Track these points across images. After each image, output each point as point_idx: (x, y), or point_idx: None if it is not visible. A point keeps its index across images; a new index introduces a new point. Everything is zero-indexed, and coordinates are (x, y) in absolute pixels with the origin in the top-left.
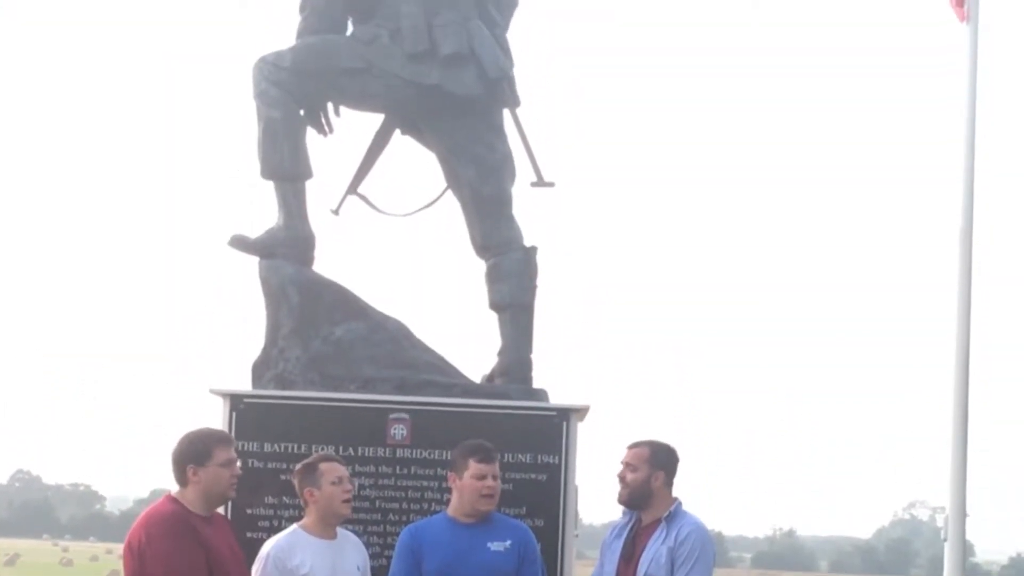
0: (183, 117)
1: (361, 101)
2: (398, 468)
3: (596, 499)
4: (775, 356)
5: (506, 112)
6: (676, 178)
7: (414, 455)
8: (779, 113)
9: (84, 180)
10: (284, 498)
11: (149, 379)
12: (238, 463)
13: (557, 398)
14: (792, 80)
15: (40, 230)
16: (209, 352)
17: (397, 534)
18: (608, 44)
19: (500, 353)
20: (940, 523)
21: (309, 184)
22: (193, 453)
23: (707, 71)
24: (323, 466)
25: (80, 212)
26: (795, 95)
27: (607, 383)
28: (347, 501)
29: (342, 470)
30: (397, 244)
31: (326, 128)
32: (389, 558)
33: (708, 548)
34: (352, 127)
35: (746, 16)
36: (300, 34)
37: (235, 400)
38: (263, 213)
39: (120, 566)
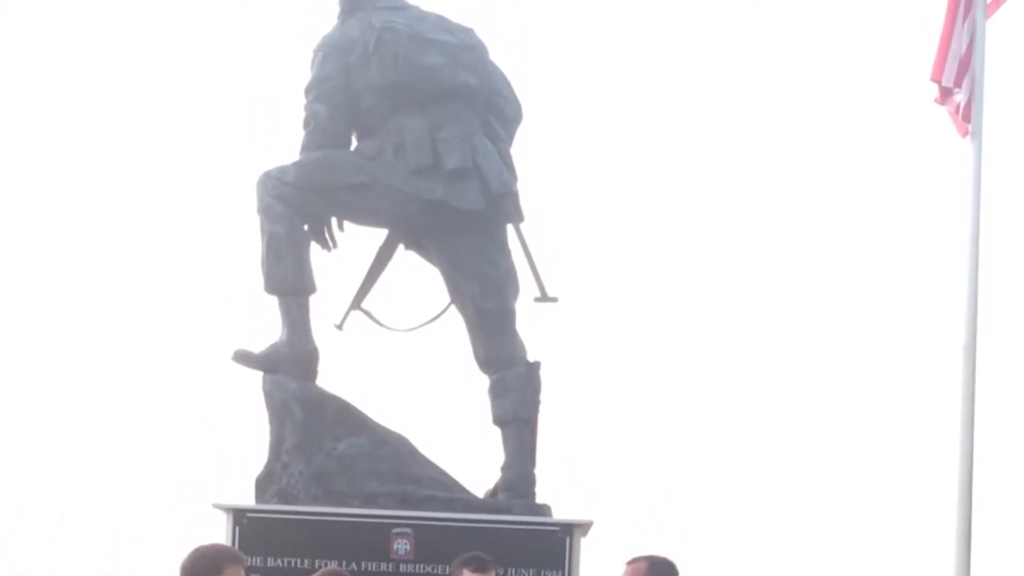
0: (182, 225)
1: (365, 216)
2: None
3: None
4: (780, 470)
5: (510, 227)
6: (679, 289)
7: (417, 570)
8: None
9: (81, 286)
10: None
11: (150, 491)
12: None
13: (560, 513)
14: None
15: (35, 353)
16: (212, 466)
17: None
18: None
19: (503, 468)
20: None
21: (313, 299)
22: (203, 570)
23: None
24: None
25: (77, 321)
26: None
27: (612, 498)
28: None
29: None
30: (400, 359)
31: (330, 243)
32: None
33: None
34: (356, 242)
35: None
36: (304, 149)
37: (238, 515)
38: (266, 327)
39: None
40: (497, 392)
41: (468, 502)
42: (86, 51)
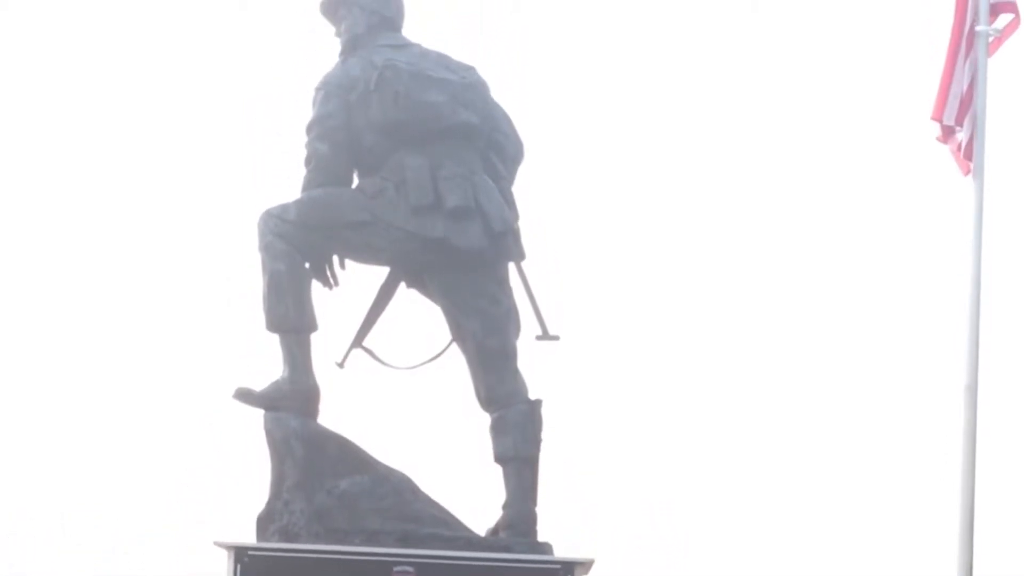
0: (183, 228)
1: (366, 254)
2: None
3: None
4: (781, 509)
5: (511, 265)
6: (679, 328)
7: None
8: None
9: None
10: None
11: (150, 530)
12: None
13: (562, 551)
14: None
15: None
16: (213, 504)
17: None
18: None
19: (505, 506)
20: None
21: (314, 337)
22: None
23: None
24: None
25: (78, 324)
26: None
27: (613, 536)
28: None
29: None
30: (402, 397)
31: (331, 281)
32: None
33: None
34: (357, 280)
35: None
36: (306, 187)
37: (239, 553)
38: (268, 365)
39: None
40: (498, 430)
41: (469, 540)
42: (86, 51)
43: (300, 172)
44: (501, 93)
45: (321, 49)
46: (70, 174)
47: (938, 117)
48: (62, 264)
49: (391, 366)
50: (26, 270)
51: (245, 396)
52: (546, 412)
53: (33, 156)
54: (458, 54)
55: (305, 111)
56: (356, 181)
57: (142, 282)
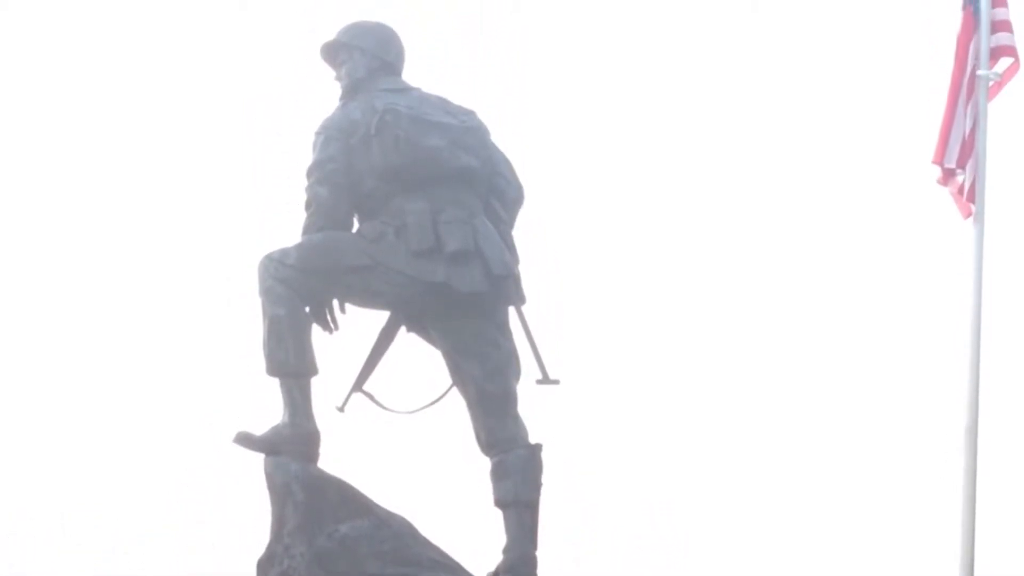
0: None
1: (366, 298)
2: None
3: None
4: (784, 553)
5: (511, 309)
6: (680, 373)
7: None
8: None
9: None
10: None
11: (150, 530)
12: None
13: None
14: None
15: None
16: (213, 545)
17: None
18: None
19: (505, 550)
20: None
21: (314, 381)
22: None
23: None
24: None
25: (79, 327)
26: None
27: None
28: None
29: None
30: (402, 441)
31: (331, 325)
32: None
33: None
34: (357, 324)
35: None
36: (306, 231)
37: None
38: (268, 409)
39: None
40: (499, 474)
41: None
42: (86, 51)
43: (300, 215)
44: (501, 93)
45: (319, 51)
46: (70, 174)
47: (939, 160)
48: (62, 264)
49: (391, 410)
50: (26, 270)
51: (245, 440)
52: (546, 457)
53: (33, 156)
54: (458, 54)
55: (305, 112)
56: (356, 225)
57: (142, 282)
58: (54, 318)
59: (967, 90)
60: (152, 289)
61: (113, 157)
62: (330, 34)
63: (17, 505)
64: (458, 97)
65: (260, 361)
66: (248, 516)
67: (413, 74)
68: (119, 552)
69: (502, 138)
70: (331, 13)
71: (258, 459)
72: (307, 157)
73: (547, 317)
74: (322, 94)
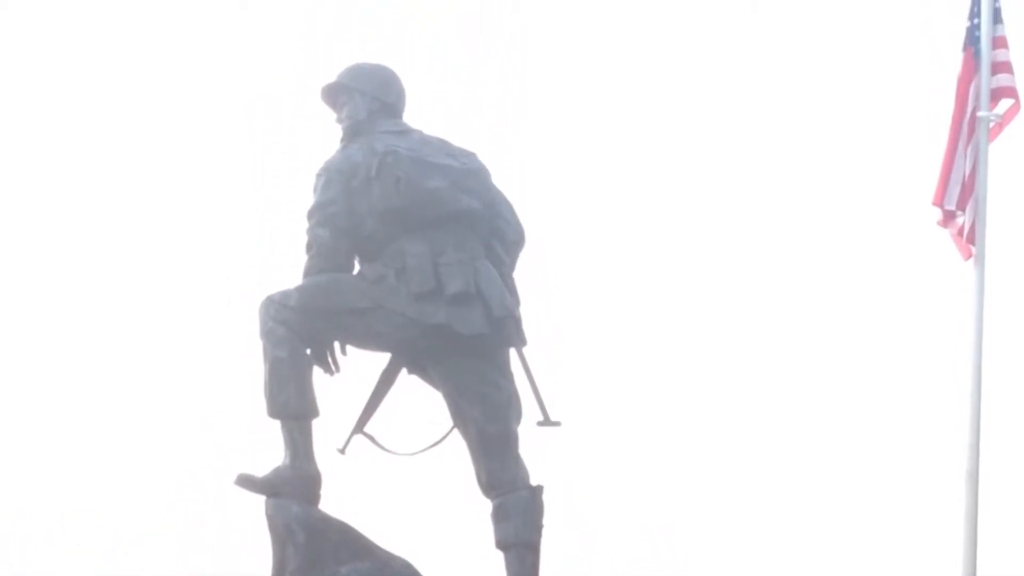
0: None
1: (367, 340)
2: None
3: None
4: None
5: (512, 351)
6: (681, 415)
7: None
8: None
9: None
10: None
11: (151, 530)
12: None
13: None
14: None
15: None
16: (213, 545)
17: None
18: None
19: None
20: None
21: (315, 423)
22: None
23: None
24: None
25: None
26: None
27: None
28: None
29: None
30: (403, 483)
31: (332, 367)
32: None
33: None
34: (358, 366)
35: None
36: (307, 273)
37: None
38: (269, 452)
39: None
40: (500, 516)
41: None
42: (85, 51)
43: (301, 257)
44: (501, 94)
45: (321, 50)
46: (69, 175)
47: (939, 202)
48: (62, 264)
49: (392, 452)
50: (26, 270)
51: (247, 482)
52: (547, 498)
53: (32, 156)
54: (458, 54)
55: (305, 111)
56: (357, 267)
57: (142, 282)
58: (54, 318)
59: (967, 131)
60: (152, 289)
61: (113, 157)
62: (331, 75)
63: (17, 505)
64: (458, 97)
65: (261, 402)
66: (248, 515)
67: (414, 74)
68: (119, 552)
69: (502, 138)
70: (331, 13)
71: (259, 500)
72: (308, 198)
73: (548, 359)
74: (321, 94)
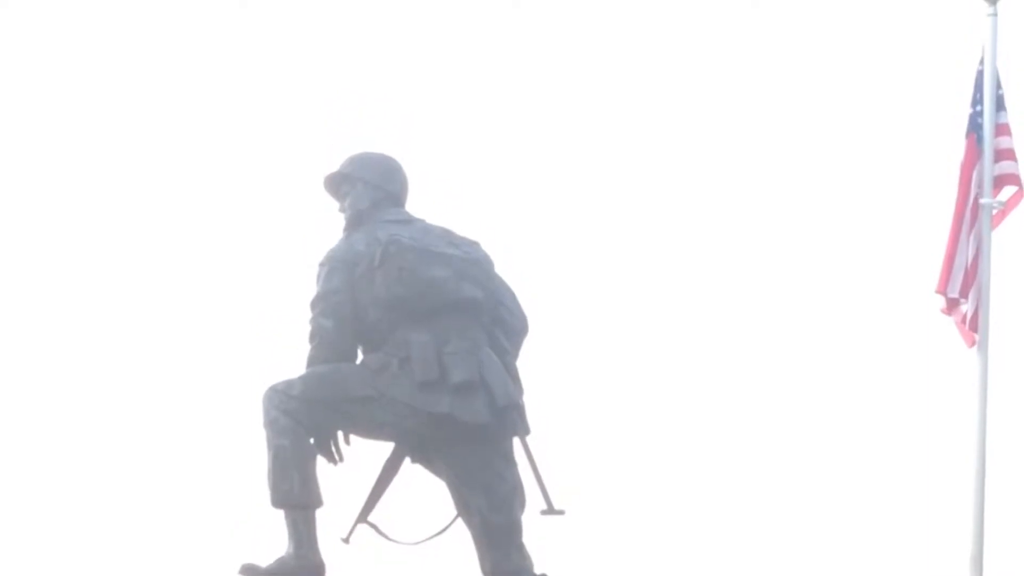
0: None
1: (371, 429)
2: None
3: None
4: None
5: (516, 440)
6: (686, 504)
7: None
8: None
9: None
10: None
11: (150, 530)
12: None
13: None
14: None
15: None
16: (213, 545)
17: None
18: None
19: None
20: None
21: (319, 512)
22: None
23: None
24: None
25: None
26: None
27: None
28: None
29: None
30: (407, 573)
31: (336, 456)
32: None
33: None
34: (362, 455)
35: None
36: (310, 362)
37: None
38: (273, 541)
39: None
40: None
41: None
42: (85, 51)
43: (304, 347)
44: (501, 94)
45: (320, 51)
46: (69, 175)
47: (942, 290)
48: (62, 264)
49: (396, 541)
50: (26, 271)
51: (251, 572)
52: None
53: (33, 156)
54: (458, 54)
55: (305, 112)
56: (360, 357)
57: (142, 281)
58: (54, 318)
59: (970, 218)
60: (152, 288)
61: (113, 157)
62: (333, 165)
63: (17, 505)
64: (459, 99)
65: (265, 492)
66: (248, 516)
67: (413, 74)
68: (119, 552)
69: (502, 140)
70: (331, 13)
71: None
72: (311, 289)
73: (551, 447)
74: (322, 94)
